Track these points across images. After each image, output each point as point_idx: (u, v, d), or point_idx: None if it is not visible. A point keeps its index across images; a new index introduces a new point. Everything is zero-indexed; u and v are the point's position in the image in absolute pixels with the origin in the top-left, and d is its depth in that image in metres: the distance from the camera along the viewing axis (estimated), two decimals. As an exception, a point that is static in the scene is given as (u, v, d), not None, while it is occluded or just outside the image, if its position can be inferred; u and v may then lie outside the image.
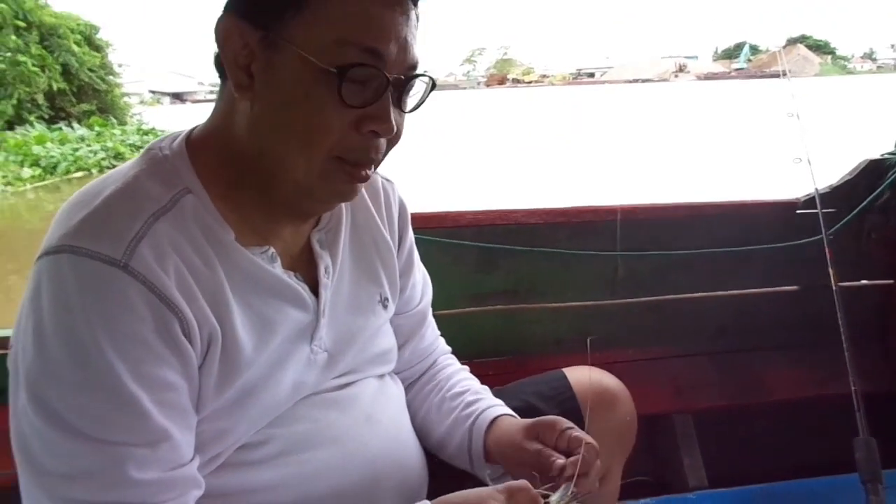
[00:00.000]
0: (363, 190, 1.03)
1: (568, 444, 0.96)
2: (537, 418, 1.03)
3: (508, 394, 1.22)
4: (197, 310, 0.81)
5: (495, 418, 1.09)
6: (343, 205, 1.00)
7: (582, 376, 1.21)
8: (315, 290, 0.96)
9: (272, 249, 0.91)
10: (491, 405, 1.12)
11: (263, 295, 0.89)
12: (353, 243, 1.03)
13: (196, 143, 0.89)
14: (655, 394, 1.84)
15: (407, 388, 1.19)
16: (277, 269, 0.91)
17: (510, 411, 1.11)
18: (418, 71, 0.86)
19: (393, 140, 0.88)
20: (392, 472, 0.99)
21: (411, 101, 0.89)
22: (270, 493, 0.90)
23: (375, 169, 0.91)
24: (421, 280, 1.19)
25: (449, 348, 1.27)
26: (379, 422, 1.01)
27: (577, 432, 0.97)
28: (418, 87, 0.88)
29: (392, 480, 0.98)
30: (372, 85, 0.82)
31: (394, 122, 0.84)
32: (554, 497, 0.86)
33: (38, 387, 0.76)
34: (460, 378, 1.20)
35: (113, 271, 0.76)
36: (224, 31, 0.82)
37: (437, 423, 1.13)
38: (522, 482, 0.84)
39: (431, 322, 1.23)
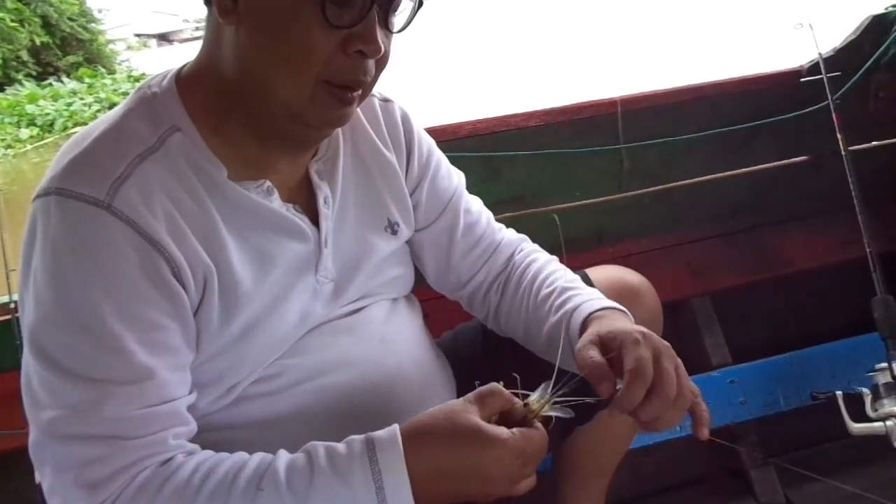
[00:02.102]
0: (361, 115, 1.02)
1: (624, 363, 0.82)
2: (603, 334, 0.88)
3: None
4: (188, 250, 0.82)
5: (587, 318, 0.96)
6: (340, 133, 0.99)
7: (604, 275, 1.17)
8: (317, 221, 0.96)
9: (268, 183, 0.90)
10: (577, 305, 0.99)
11: (260, 229, 0.90)
12: (354, 171, 1.02)
13: (186, 78, 0.89)
14: (672, 280, 1.86)
15: (489, 294, 1.14)
16: (275, 202, 0.91)
17: (603, 304, 0.98)
18: None
19: (381, 63, 0.87)
20: (413, 390, 1.00)
21: (398, 21, 0.87)
22: (293, 420, 0.92)
23: (369, 92, 0.90)
24: (455, 176, 1.14)
25: (523, 236, 1.19)
26: (394, 341, 1.02)
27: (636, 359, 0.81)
28: (405, 5, 0.86)
29: (415, 398, 0.98)
30: (356, 4, 0.80)
31: (380, 43, 0.83)
32: (532, 397, 0.81)
33: (32, 326, 0.79)
34: (546, 274, 1.09)
35: (96, 212, 0.77)
36: None
37: (537, 335, 1.06)
38: (493, 385, 0.81)
39: (482, 220, 1.16)
